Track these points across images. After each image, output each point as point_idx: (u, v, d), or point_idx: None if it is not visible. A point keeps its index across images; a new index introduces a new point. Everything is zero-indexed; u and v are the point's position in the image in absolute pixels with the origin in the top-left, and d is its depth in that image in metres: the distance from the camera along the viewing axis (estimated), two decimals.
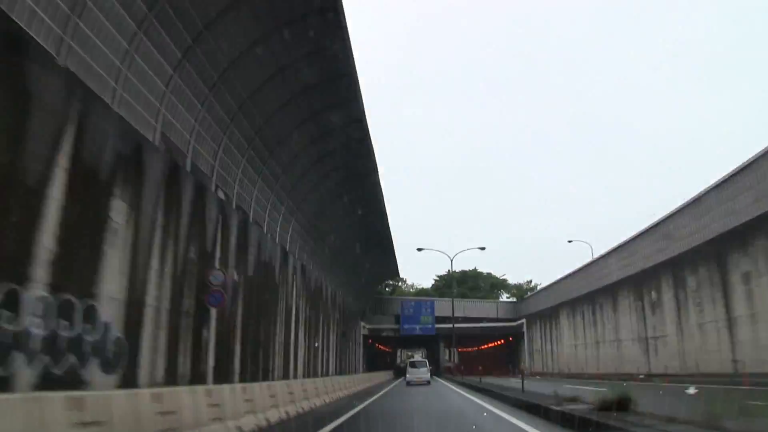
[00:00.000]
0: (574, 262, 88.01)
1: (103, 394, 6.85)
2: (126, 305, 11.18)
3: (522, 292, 76.08)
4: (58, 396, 5.56)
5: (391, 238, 42.85)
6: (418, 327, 61.34)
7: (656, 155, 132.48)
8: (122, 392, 7.65)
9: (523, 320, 58.76)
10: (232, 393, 9.71)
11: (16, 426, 4.75)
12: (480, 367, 56.44)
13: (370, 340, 63.94)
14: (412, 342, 76.67)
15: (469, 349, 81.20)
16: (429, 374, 36.52)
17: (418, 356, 68.90)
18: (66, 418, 5.29)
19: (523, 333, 58.14)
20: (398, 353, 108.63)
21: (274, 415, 11.32)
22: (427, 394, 23.68)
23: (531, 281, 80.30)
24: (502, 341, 68.72)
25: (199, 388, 9.13)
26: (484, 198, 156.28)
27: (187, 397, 8.00)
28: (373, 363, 66.46)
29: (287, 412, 12.39)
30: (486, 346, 76.58)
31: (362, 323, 56.94)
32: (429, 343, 70.12)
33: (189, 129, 14.79)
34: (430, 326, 61.27)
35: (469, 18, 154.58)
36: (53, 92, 9.27)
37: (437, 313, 61.95)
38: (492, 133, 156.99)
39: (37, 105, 8.88)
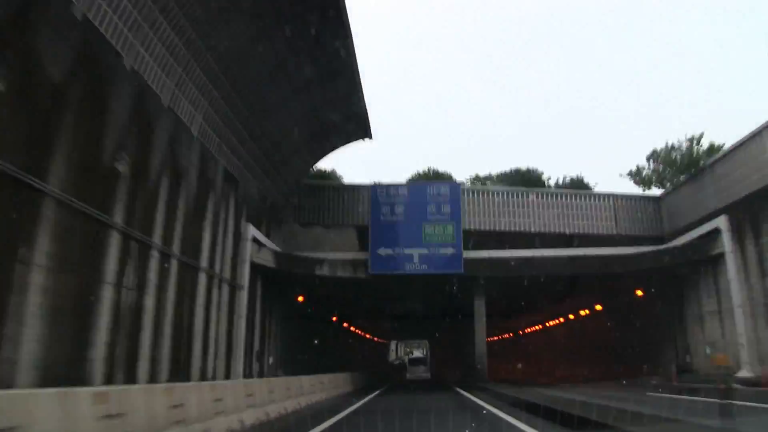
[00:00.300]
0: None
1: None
2: None
3: (682, 167, 26.20)
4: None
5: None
6: (416, 254, 23.64)
7: None
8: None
9: (722, 217, 20.58)
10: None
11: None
12: (525, 365, 19.20)
13: (302, 296, 26.26)
14: (407, 304, 38.48)
15: (504, 336, 44.47)
16: (429, 373, 40.08)
17: (418, 353, 64.97)
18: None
19: (723, 257, 20.07)
20: (394, 348, 71.72)
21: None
22: None
23: (700, 136, 27.90)
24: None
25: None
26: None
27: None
28: (327, 356, 31.20)
29: None
30: (572, 316, 36.98)
31: (253, 232, 19.28)
32: (451, 302, 32.41)
33: None
34: (450, 254, 23.59)
35: None
36: None
37: (467, 225, 24.47)
38: None
39: None
